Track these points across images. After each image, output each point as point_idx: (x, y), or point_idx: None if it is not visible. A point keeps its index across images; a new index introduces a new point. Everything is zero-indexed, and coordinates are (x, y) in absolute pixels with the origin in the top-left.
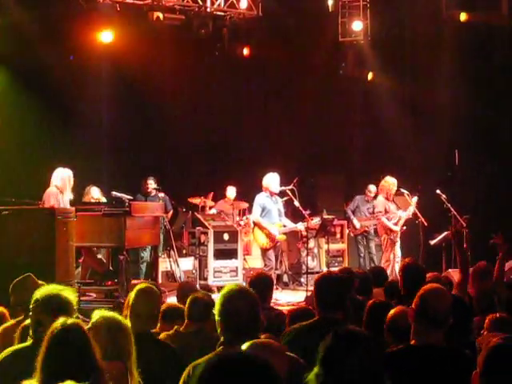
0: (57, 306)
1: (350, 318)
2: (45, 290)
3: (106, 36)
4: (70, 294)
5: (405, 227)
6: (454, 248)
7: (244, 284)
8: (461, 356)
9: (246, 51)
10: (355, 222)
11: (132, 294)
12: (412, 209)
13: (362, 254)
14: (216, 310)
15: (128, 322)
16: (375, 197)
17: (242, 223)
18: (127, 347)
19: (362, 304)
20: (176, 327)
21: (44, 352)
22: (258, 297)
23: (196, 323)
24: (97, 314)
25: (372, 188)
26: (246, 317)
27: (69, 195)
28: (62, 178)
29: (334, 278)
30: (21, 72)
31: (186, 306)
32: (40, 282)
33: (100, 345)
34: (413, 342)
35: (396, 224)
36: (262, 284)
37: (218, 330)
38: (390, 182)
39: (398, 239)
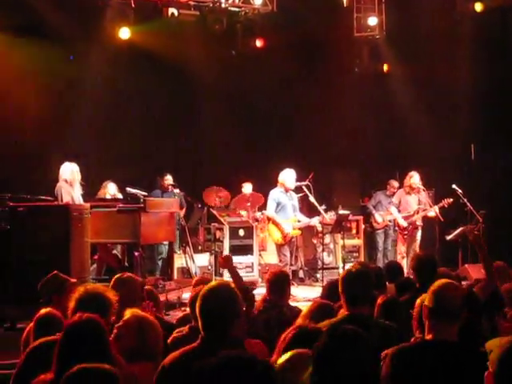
0: (97, 306)
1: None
2: (87, 289)
3: (123, 33)
4: (111, 295)
5: (421, 223)
6: (478, 252)
7: (260, 280)
8: (475, 352)
9: (260, 46)
10: (377, 216)
11: None
12: (436, 208)
13: (380, 248)
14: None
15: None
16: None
17: (258, 215)
18: (157, 347)
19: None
20: (190, 324)
21: (60, 343)
22: (278, 293)
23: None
24: (128, 313)
25: (395, 183)
26: (214, 317)
27: (79, 189)
28: (71, 171)
29: (362, 272)
30: None
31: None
32: (63, 276)
33: (129, 343)
34: (429, 337)
35: (409, 218)
36: (281, 282)
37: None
38: (409, 175)
39: (418, 236)
